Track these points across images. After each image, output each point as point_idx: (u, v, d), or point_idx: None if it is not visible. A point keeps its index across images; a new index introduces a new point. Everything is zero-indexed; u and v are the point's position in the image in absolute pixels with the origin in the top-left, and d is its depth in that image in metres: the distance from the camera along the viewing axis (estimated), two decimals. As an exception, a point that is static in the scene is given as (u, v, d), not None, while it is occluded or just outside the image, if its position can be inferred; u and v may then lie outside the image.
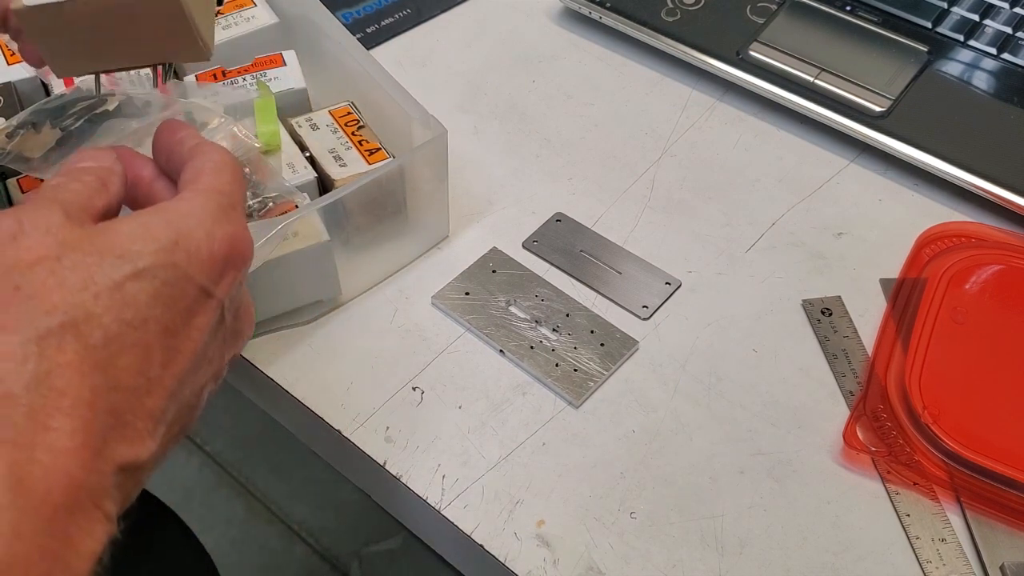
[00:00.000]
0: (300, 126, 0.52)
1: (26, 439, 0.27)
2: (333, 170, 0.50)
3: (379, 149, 0.51)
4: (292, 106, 0.54)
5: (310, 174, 0.50)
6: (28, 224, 0.31)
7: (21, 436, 0.27)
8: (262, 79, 0.53)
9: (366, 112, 0.53)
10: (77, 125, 0.45)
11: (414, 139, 0.50)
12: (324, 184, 0.51)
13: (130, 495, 0.31)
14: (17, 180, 0.52)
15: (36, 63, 0.44)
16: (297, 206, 0.48)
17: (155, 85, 0.43)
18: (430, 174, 0.52)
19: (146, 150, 0.40)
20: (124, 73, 0.49)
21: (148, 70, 0.45)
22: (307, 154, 0.51)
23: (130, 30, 0.39)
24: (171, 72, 0.43)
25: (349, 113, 0.53)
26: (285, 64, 0.54)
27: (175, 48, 0.40)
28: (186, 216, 0.34)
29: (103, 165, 0.36)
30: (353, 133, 0.52)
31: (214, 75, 0.54)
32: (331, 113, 0.53)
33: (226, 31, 0.56)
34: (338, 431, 0.48)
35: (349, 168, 0.50)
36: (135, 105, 0.47)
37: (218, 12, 0.56)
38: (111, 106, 0.47)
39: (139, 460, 0.31)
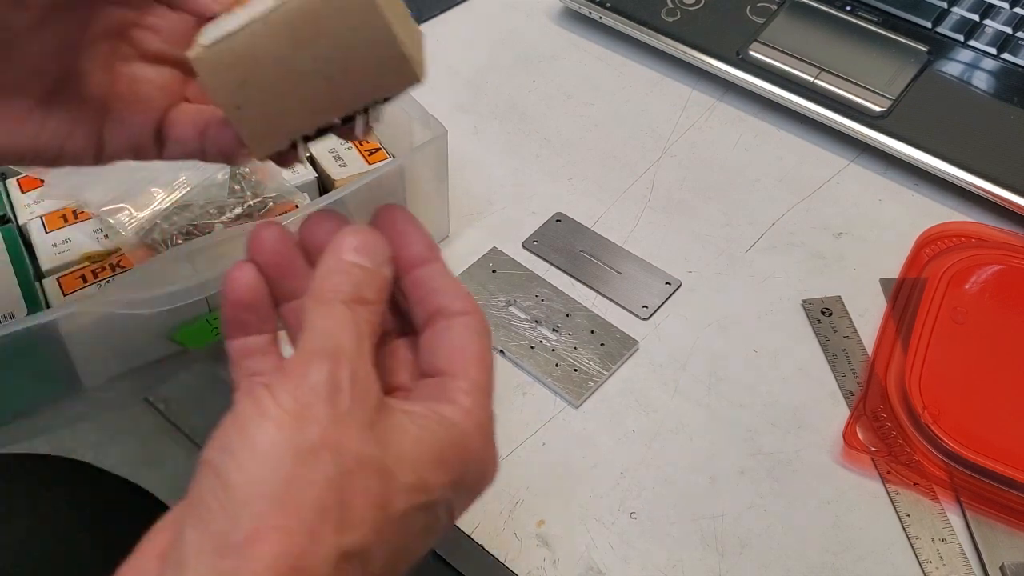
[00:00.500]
0: None
1: None
2: (333, 170, 0.50)
3: (379, 149, 0.51)
4: None
5: (310, 174, 0.50)
6: (346, 380, 0.27)
7: None
8: None
9: None
10: None
11: (414, 139, 0.50)
12: (324, 184, 0.51)
13: None
14: (17, 180, 0.52)
15: (229, 150, 0.35)
16: (297, 206, 0.49)
17: (361, 135, 0.33)
18: (430, 174, 0.52)
19: None
20: None
21: None
22: (307, 154, 0.51)
23: (326, 60, 0.31)
24: (380, 114, 0.33)
25: None
26: None
27: (381, 76, 0.31)
28: (469, 442, 0.30)
29: (378, 257, 0.30)
30: None
31: None
32: None
33: None
34: (338, 431, 0.48)
35: (349, 168, 0.50)
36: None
37: None
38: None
39: None
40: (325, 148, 0.51)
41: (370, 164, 0.50)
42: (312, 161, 0.51)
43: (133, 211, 0.48)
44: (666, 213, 0.57)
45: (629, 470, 0.46)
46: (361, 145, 0.51)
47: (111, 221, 0.48)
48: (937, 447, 0.45)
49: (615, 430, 0.48)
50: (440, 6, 0.70)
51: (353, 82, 0.31)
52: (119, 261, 0.48)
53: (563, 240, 0.56)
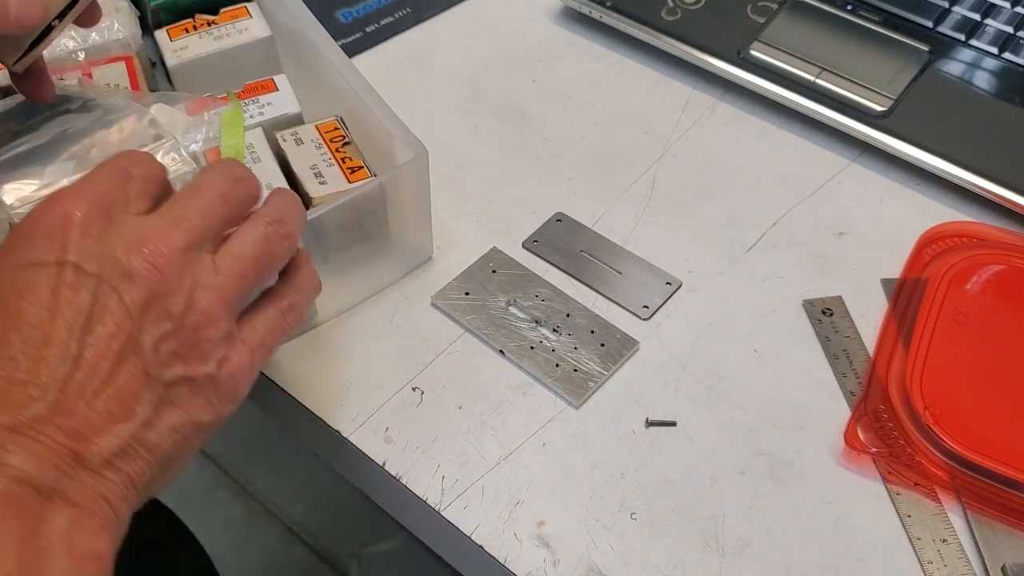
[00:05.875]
0: (284, 140, 0.51)
1: None
2: (312, 187, 0.49)
3: (361, 167, 0.50)
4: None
5: None
6: None
7: None
8: (254, 105, 0.52)
9: (354, 128, 0.52)
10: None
11: (396, 158, 0.50)
12: (303, 201, 0.50)
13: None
14: None
15: None
16: None
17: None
18: (411, 194, 0.51)
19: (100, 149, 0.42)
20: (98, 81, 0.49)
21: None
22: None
23: None
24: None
25: (336, 128, 0.51)
26: (277, 89, 0.53)
27: None
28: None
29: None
30: (337, 150, 0.50)
31: (185, 29, 0.56)
32: (317, 128, 0.51)
33: (218, 42, 0.55)
34: (337, 432, 0.48)
35: (328, 186, 0.49)
36: (100, 107, 0.47)
37: (213, 22, 0.56)
38: (73, 105, 0.47)
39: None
40: (307, 164, 0.50)
41: (351, 182, 0.49)
42: (291, 180, 0.50)
43: None
44: (667, 213, 0.57)
45: (629, 470, 0.46)
46: (343, 163, 0.50)
47: None
48: (938, 447, 0.45)
49: (615, 430, 0.48)
50: (440, 5, 0.70)
51: None
52: None
53: (563, 240, 0.55)
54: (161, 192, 0.38)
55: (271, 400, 0.50)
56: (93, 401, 0.33)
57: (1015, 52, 0.61)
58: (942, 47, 0.62)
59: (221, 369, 0.37)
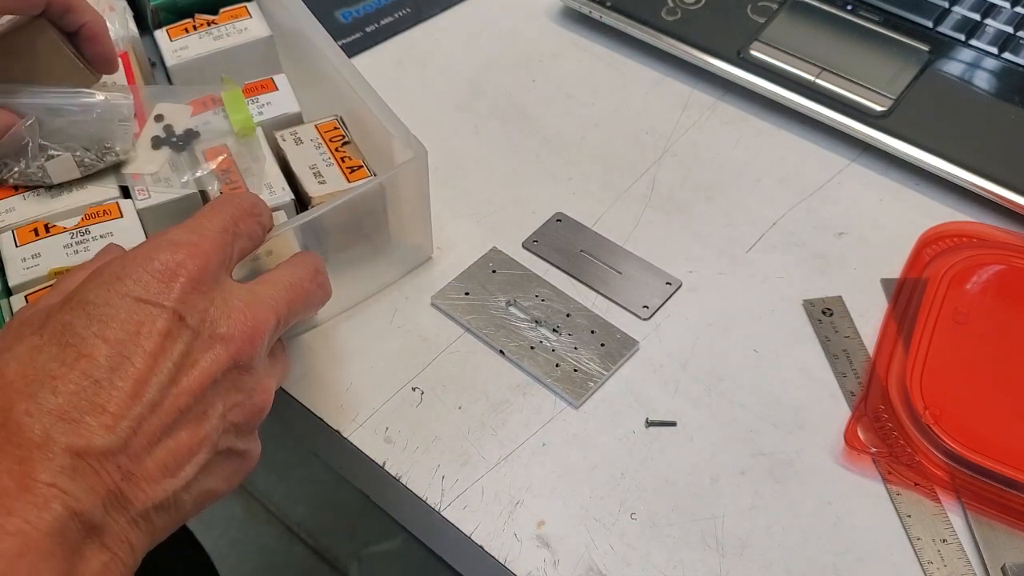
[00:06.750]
0: (284, 140, 0.51)
1: None
2: (312, 187, 0.49)
3: (361, 167, 0.50)
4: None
5: (287, 195, 0.49)
6: None
7: None
8: (254, 105, 0.52)
9: (353, 127, 0.52)
10: None
11: (395, 158, 0.50)
12: (302, 201, 0.50)
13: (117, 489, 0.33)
14: None
15: None
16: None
17: None
18: (411, 194, 0.51)
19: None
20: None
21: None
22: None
23: None
24: None
25: (335, 128, 0.51)
26: (277, 88, 0.53)
27: None
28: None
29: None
30: (336, 149, 0.50)
31: (185, 29, 0.56)
32: (317, 128, 0.52)
33: (218, 42, 0.55)
34: (337, 432, 0.48)
35: (328, 185, 0.49)
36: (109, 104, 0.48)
37: (213, 22, 0.56)
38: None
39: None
40: (306, 164, 0.50)
41: (350, 182, 0.49)
42: (290, 179, 0.50)
43: None
44: (666, 213, 0.57)
45: (629, 471, 0.46)
46: (343, 162, 0.50)
47: None
48: (938, 447, 0.45)
49: (615, 431, 0.48)
50: (440, 5, 0.70)
51: None
52: None
53: (563, 240, 0.55)
54: (255, 247, 0.41)
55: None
56: (154, 450, 0.33)
57: (1015, 52, 0.61)
58: (942, 47, 0.62)
59: (256, 447, 0.39)
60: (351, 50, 0.66)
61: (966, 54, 0.62)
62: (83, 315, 0.34)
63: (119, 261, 0.36)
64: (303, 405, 0.49)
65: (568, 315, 0.52)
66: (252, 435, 0.38)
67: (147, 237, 0.47)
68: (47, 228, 0.47)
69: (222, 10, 0.57)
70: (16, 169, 0.47)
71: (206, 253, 0.36)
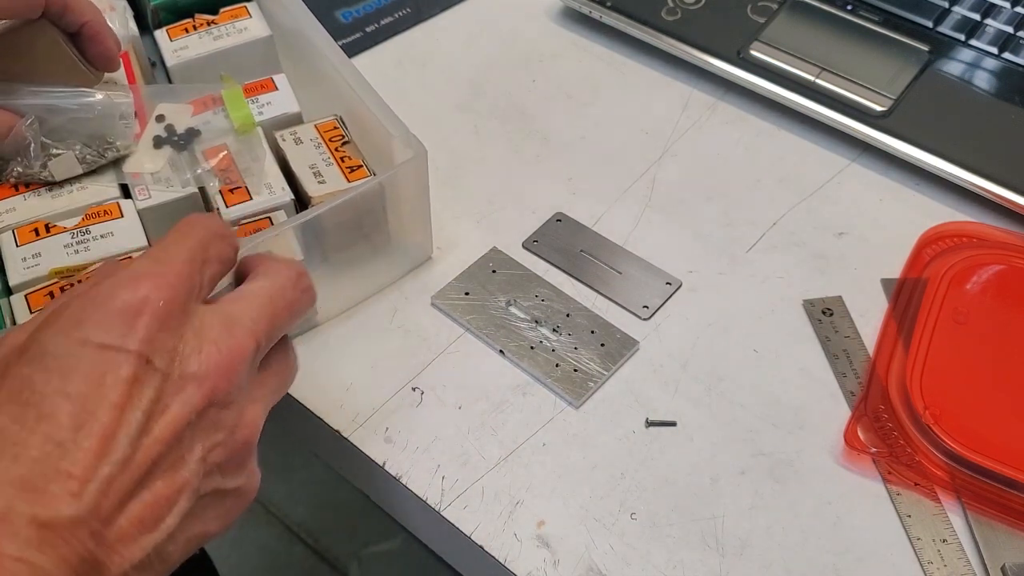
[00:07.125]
0: (284, 140, 0.51)
1: None
2: (311, 187, 0.49)
3: (361, 166, 0.50)
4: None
5: (287, 195, 0.49)
6: None
7: None
8: (254, 105, 0.52)
9: (353, 127, 0.52)
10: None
11: (395, 157, 0.49)
12: (302, 201, 0.50)
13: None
14: None
15: None
16: (272, 223, 0.48)
17: None
18: (411, 193, 0.51)
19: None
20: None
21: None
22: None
23: None
24: None
25: (335, 128, 0.51)
26: (277, 88, 0.53)
27: None
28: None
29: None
30: (336, 149, 0.50)
31: (185, 29, 0.56)
32: (316, 127, 0.52)
33: (218, 42, 0.55)
34: (337, 432, 0.48)
35: (328, 185, 0.49)
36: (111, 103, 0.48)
37: (213, 22, 0.56)
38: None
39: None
40: (306, 163, 0.50)
41: (350, 181, 0.49)
42: (290, 179, 0.50)
43: None
44: (666, 213, 0.57)
45: (629, 471, 0.46)
46: (342, 162, 0.50)
47: None
48: (938, 447, 0.45)
49: (615, 430, 0.48)
50: (440, 5, 0.70)
51: None
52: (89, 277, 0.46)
53: (563, 240, 0.55)
54: (226, 271, 0.38)
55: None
56: (128, 506, 0.31)
57: (1015, 52, 0.61)
58: (942, 47, 0.62)
59: (249, 481, 0.36)
60: (351, 50, 0.66)
61: (966, 54, 0.62)
62: (42, 369, 0.31)
63: (79, 302, 0.33)
64: (303, 405, 0.49)
65: (568, 315, 0.52)
66: (242, 471, 0.36)
67: (147, 237, 0.47)
68: (48, 228, 0.47)
69: (222, 10, 0.57)
70: (18, 168, 0.47)
71: (172, 284, 0.33)
